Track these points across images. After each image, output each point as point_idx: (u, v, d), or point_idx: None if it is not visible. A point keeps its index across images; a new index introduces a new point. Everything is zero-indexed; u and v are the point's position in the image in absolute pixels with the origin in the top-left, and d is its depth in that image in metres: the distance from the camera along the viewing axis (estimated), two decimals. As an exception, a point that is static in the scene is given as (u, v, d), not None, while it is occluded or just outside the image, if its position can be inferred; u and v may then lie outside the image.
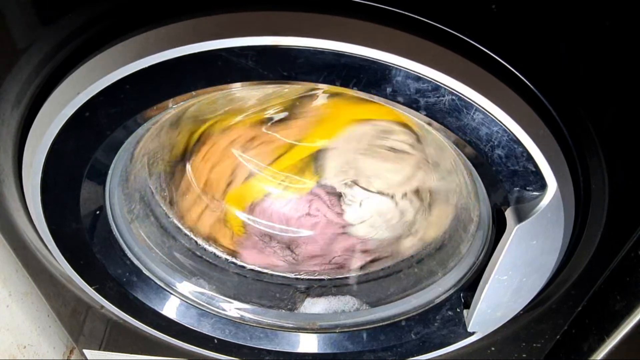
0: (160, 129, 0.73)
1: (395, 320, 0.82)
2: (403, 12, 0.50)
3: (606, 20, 0.48)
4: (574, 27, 0.49)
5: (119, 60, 0.50)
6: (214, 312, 0.83)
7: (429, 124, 0.53)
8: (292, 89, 0.73)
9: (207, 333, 0.82)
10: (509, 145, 0.52)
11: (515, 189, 0.56)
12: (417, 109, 0.50)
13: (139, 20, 0.52)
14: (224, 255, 0.88)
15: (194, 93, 0.52)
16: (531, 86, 0.53)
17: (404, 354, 0.82)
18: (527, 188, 0.55)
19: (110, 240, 0.71)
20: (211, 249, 0.87)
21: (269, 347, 0.84)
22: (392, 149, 0.83)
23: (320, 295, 0.86)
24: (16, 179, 0.64)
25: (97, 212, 0.67)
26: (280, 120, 0.82)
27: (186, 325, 0.81)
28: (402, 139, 0.82)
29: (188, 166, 0.85)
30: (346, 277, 0.88)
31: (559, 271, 0.68)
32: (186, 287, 0.82)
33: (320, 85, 0.50)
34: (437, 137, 0.67)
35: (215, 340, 0.83)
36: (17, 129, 0.60)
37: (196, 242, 0.86)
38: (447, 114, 0.51)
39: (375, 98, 0.51)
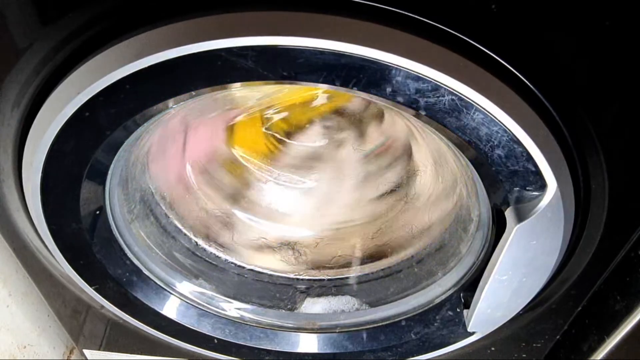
0: (161, 129, 0.73)
1: (395, 320, 0.82)
2: (403, 12, 0.50)
3: (606, 20, 0.48)
4: (574, 27, 0.49)
5: (119, 60, 0.50)
6: (214, 312, 0.83)
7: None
8: (292, 89, 0.73)
9: (207, 333, 0.82)
10: (509, 145, 0.52)
11: (515, 189, 0.56)
12: (417, 109, 0.50)
13: (139, 20, 0.52)
14: (224, 255, 0.87)
15: (194, 93, 0.52)
16: (531, 86, 0.52)
17: (404, 354, 0.82)
18: (527, 188, 0.55)
19: (110, 240, 0.71)
20: (211, 249, 0.87)
21: (269, 347, 0.84)
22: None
23: (320, 295, 0.86)
24: (16, 179, 0.64)
25: (97, 212, 0.67)
26: (280, 120, 0.82)
27: (186, 325, 0.81)
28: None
29: (188, 166, 0.85)
30: (346, 277, 0.88)
31: (559, 271, 0.68)
32: (186, 287, 0.82)
33: (321, 85, 0.50)
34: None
35: (215, 340, 0.83)
36: (17, 129, 0.60)
37: (196, 242, 0.86)
38: (447, 114, 0.51)
39: (375, 98, 0.51)
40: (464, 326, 0.73)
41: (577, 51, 0.50)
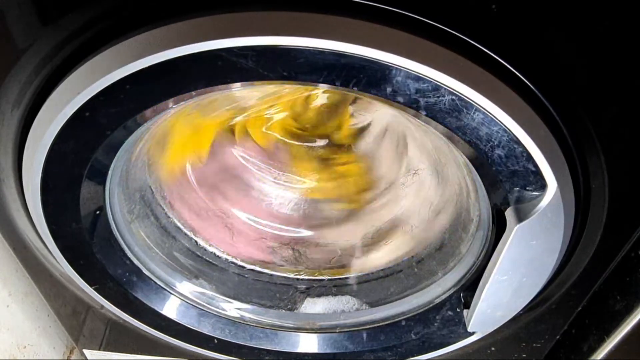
0: (161, 128, 0.73)
1: (395, 320, 0.82)
2: (403, 12, 0.50)
3: (606, 20, 0.48)
4: (574, 27, 0.49)
5: (119, 60, 0.50)
6: (214, 312, 0.83)
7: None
8: (293, 89, 0.73)
9: (207, 333, 0.82)
10: (509, 145, 0.52)
11: (515, 189, 0.56)
12: (417, 109, 0.50)
13: (139, 20, 0.52)
14: (224, 255, 0.87)
15: (194, 93, 0.52)
16: (531, 86, 0.53)
17: (404, 354, 0.82)
18: (527, 188, 0.55)
19: (110, 240, 0.71)
20: (211, 249, 0.87)
21: (269, 347, 0.84)
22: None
23: (320, 295, 0.86)
24: (16, 179, 0.64)
25: (97, 212, 0.67)
26: (280, 120, 0.82)
27: (186, 325, 0.81)
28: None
29: (188, 166, 0.85)
30: (346, 277, 0.88)
31: (559, 271, 0.68)
32: (186, 287, 0.82)
33: (321, 85, 0.50)
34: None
35: (215, 340, 0.83)
36: (17, 129, 0.60)
37: (196, 242, 0.86)
38: (447, 114, 0.51)
39: (375, 98, 0.51)
40: (464, 326, 0.73)
41: (577, 51, 0.50)
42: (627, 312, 0.69)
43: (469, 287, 0.74)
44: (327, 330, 0.84)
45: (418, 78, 0.49)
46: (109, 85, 0.51)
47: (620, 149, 0.56)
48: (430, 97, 0.50)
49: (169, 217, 0.84)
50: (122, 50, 0.51)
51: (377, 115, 0.82)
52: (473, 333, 0.77)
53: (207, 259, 0.87)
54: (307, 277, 0.88)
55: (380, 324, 0.83)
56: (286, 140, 0.84)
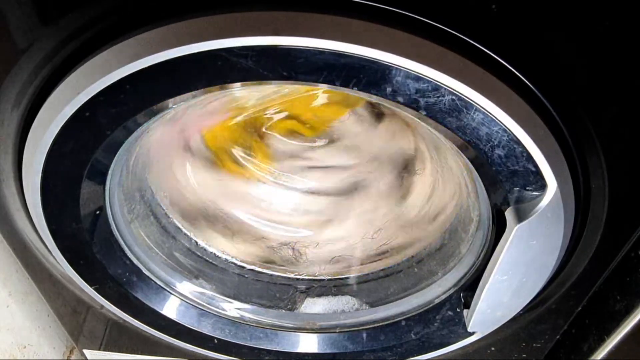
0: (161, 128, 0.73)
1: (395, 320, 0.82)
2: (403, 12, 0.50)
3: (606, 20, 0.48)
4: (574, 27, 0.49)
5: (119, 60, 0.50)
6: (214, 312, 0.83)
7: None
8: (293, 89, 0.73)
9: (207, 333, 0.82)
10: (509, 145, 0.52)
11: (515, 189, 0.56)
12: (417, 109, 0.50)
13: (139, 20, 0.52)
14: (224, 255, 0.88)
15: (194, 93, 0.52)
16: (531, 86, 0.53)
17: (404, 354, 0.82)
18: (527, 188, 0.55)
19: (110, 240, 0.71)
20: (211, 249, 0.87)
21: (269, 347, 0.84)
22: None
23: (320, 295, 0.86)
24: (16, 179, 0.64)
25: (97, 212, 0.67)
26: (280, 120, 0.82)
27: (186, 325, 0.81)
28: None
29: (188, 166, 0.85)
30: (346, 277, 0.88)
31: (559, 271, 0.68)
32: (186, 287, 0.82)
33: (321, 85, 0.50)
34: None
35: (215, 340, 0.83)
36: (17, 129, 0.60)
37: (196, 242, 0.86)
38: (447, 114, 0.51)
39: (375, 98, 0.51)
40: (464, 326, 0.73)
41: (577, 51, 0.50)
42: (627, 312, 0.69)
43: (469, 287, 0.74)
44: (327, 330, 0.84)
45: (418, 78, 0.49)
46: (109, 85, 0.51)
47: (620, 149, 0.56)
48: (430, 97, 0.50)
49: (169, 217, 0.84)
50: (122, 50, 0.51)
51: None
52: (473, 333, 0.77)
53: (207, 259, 0.87)
54: (307, 277, 0.88)
55: (380, 324, 0.83)
56: (286, 140, 0.85)
